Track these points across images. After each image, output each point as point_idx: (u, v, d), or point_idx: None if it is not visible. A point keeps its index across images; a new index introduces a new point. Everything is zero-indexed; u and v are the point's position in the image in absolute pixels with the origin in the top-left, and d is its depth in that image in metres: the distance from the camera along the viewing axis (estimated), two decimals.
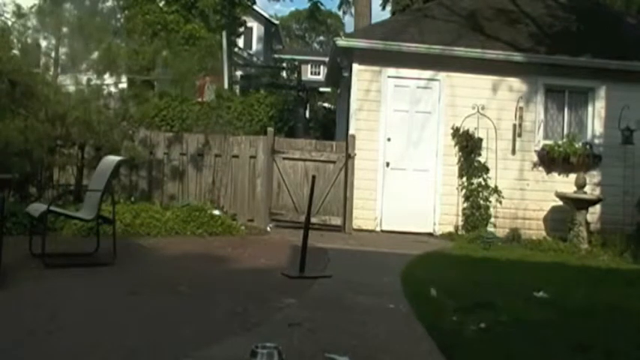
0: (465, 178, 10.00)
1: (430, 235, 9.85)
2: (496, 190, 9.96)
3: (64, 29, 8.56)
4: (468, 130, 9.94)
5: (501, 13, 11.31)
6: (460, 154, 10.02)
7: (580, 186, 9.52)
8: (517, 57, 10.06)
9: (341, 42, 10.34)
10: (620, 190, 9.91)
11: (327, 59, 15.76)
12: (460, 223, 9.95)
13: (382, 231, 9.86)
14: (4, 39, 8.25)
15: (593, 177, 10.09)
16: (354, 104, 10.07)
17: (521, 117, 10.11)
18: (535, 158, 10.15)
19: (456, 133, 10.00)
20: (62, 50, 8.80)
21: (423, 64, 10.07)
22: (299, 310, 4.52)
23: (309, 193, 6.38)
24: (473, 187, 9.95)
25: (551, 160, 10.03)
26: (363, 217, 9.81)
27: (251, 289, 5.30)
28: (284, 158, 9.57)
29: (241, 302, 4.65)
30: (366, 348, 3.70)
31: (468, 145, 9.93)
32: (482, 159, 9.99)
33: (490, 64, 9.98)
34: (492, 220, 9.91)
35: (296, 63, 27.54)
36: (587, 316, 4.83)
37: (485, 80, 10.14)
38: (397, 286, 5.69)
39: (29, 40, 8.60)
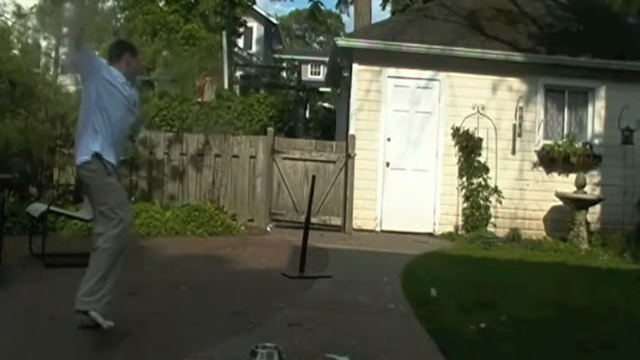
0: (465, 178, 10.00)
1: (430, 235, 9.84)
2: (496, 190, 9.96)
3: (64, 29, 8.55)
4: (468, 130, 9.94)
5: (501, 13, 11.31)
6: (460, 154, 10.02)
7: (580, 186, 9.52)
8: (517, 57, 10.06)
9: (341, 42, 10.34)
10: (620, 190, 9.91)
11: (327, 59, 15.75)
12: (460, 223, 9.95)
13: (382, 231, 9.85)
14: (4, 39, 8.26)
15: (593, 177, 10.09)
16: (354, 104, 10.07)
17: (521, 117, 10.11)
18: (535, 158, 10.15)
19: (456, 133, 10.00)
20: (62, 50, 8.80)
21: (423, 64, 10.07)
22: (299, 310, 4.52)
23: (309, 193, 6.38)
24: (473, 187, 9.95)
25: (551, 160, 10.03)
26: (363, 217, 9.81)
27: (251, 289, 5.30)
28: (284, 158, 9.57)
29: (241, 302, 4.66)
30: (366, 348, 3.70)
31: (468, 145, 9.93)
32: (482, 159, 9.99)
33: (490, 64, 9.97)
34: (492, 220, 9.91)
35: (296, 63, 27.54)
36: (587, 316, 4.83)
37: (485, 80, 10.14)
38: (397, 286, 5.69)
39: (29, 40, 8.61)
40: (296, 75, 25.03)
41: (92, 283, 3.60)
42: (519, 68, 10.10)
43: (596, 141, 10.22)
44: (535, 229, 9.89)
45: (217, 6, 17.73)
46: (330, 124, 14.95)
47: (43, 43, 8.82)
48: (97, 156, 3.69)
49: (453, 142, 10.04)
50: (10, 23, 8.64)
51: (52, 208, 6.13)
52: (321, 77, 29.62)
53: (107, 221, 3.69)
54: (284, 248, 7.47)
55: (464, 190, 9.99)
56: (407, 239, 9.19)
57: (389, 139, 10.00)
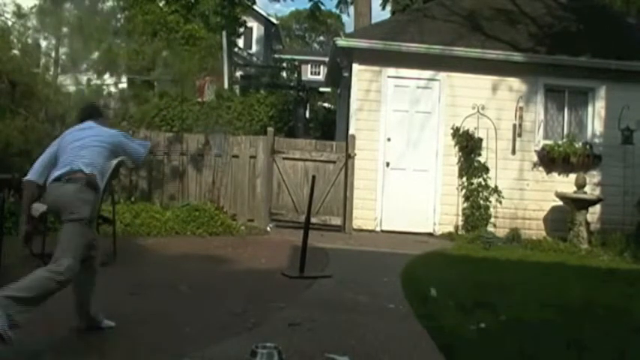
0: (465, 178, 10.00)
1: (430, 235, 9.84)
2: (496, 190, 9.96)
3: (64, 29, 8.55)
4: (468, 130, 9.94)
5: (501, 13, 11.30)
6: (460, 154, 10.02)
7: (580, 186, 9.52)
8: (517, 57, 10.06)
9: (341, 42, 10.34)
10: (620, 190, 9.91)
11: (327, 59, 15.74)
12: (460, 223, 9.95)
13: (382, 231, 9.85)
14: (4, 39, 8.25)
15: (593, 177, 10.09)
16: (354, 104, 10.07)
17: (521, 117, 10.11)
18: (535, 158, 10.15)
19: (456, 133, 10.00)
20: (62, 50, 8.79)
21: (423, 64, 10.07)
22: (299, 310, 4.52)
23: (309, 193, 6.38)
24: (473, 187, 9.95)
25: (551, 160, 10.03)
26: (363, 217, 9.81)
27: (251, 289, 5.30)
28: (284, 158, 9.57)
29: (241, 302, 4.65)
30: (366, 348, 3.70)
31: (468, 145, 9.93)
32: (482, 159, 9.99)
33: (490, 64, 9.97)
34: (492, 220, 9.90)
35: (296, 63, 27.53)
36: (586, 316, 4.83)
37: (485, 80, 10.14)
38: (397, 286, 5.68)
39: (29, 40, 8.59)
40: (296, 75, 25.03)
41: (14, 294, 3.20)
42: (519, 68, 10.10)
43: (596, 141, 10.22)
44: (535, 229, 9.89)
45: (217, 6, 17.71)
46: (330, 124, 14.95)
47: (43, 43, 8.79)
48: (91, 183, 3.54)
49: (453, 142, 10.04)
50: (10, 23, 8.63)
51: None
52: (321, 77, 29.62)
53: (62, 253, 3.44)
54: (284, 248, 7.47)
55: (464, 190, 9.99)
56: (407, 239, 9.19)
57: (389, 139, 10.00)
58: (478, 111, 10.03)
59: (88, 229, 3.56)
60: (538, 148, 10.14)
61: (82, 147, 3.64)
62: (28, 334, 3.62)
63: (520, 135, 10.11)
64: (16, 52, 8.38)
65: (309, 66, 37.55)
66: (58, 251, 3.44)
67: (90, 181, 3.52)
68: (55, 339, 3.61)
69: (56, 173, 3.55)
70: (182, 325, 4.00)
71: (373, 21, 14.66)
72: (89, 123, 3.91)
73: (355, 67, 10.09)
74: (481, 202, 9.90)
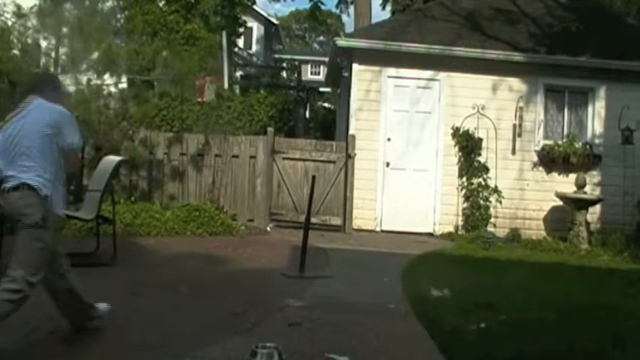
0: (465, 178, 10.00)
1: (430, 235, 9.84)
2: (496, 190, 9.95)
3: (64, 29, 8.54)
4: (468, 130, 9.94)
5: (501, 13, 11.30)
6: (460, 154, 10.01)
7: (580, 186, 9.52)
8: (517, 57, 10.06)
9: (341, 42, 10.34)
10: (620, 190, 9.90)
11: (327, 59, 15.75)
12: (460, 223, 9.94)
13: (382, 231, 9.85)
14: (4, 39, 8.24)
15: (593, 177, 10.09)
16: (354, 104, 10.07)
17: (521, 117, 10.10)
18: (535, 158, 10.14)
19: (456, 133, 9.99)
20: (62, 50, 8.79)
21: (422, 64, 10.06)
22: (299, 310, 4.52)
23: (309, 193, 6.40)
24: (473, 187, 9.94)
25: (551, 160, 10.03)
26: (363, 217, 9.81)
27: (251, 289, 5.31)
28: (284, 158, 9.57)
29: (241, 302, 4.66)
30: (366, 348, 3.70)
31: (468, 145, 9.93)
32: (482, 159, 9.99)
33: (490, 64, 9.97)
34: (492, 220, 9.90)
35: (296, 63, 27.57)
36: (586, 316, 4.83)
37: (485, 80, 10.13)
38: (397, 286, 5.69)
39: (29, 40, 8.59)
40: (296, 75, 25.07)
41: None
42: (519, 68, 10.10)
43: (596, 141, 10.21)
44: (535, 229, 9.89)
45: (217, 6, 17.72)
46: (330, 124, 14.95)
47: (43, 43, 8.79)
48: (32, 186, 3.38)
49: (453, 142, 10.03)
50: (10, 23, 8.62)
51: None
52: (321, 77, 29.61)
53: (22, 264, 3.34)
54: (284, 248, 7.47)
55: (464, 190, 9.99)
56: (407, 239, 9.19)
57: (389, 139, 10.00)
58: (478, 111, 10.02)
59: (45, 231, 3.41)
60: (538, 148, 10.14)
61: (19, 146, 3.45)
62: (28, 335, 3.63)
63: (520, 135, 10.10)
64: (16, 52, 8.37)
65: (309, 66, 37.58)
66: (12, 262, 3.36)
67: (30, 184, 3.40)
68: (55, 339, 3.61)
69: (5, 184, 3.44)
70: (182, 325, 4.00)
71: (373, 21, 14.65)
72: (34, 102, 3.64)
73: (355, 67, 10.09)
74: (481, 202, 9.89)
